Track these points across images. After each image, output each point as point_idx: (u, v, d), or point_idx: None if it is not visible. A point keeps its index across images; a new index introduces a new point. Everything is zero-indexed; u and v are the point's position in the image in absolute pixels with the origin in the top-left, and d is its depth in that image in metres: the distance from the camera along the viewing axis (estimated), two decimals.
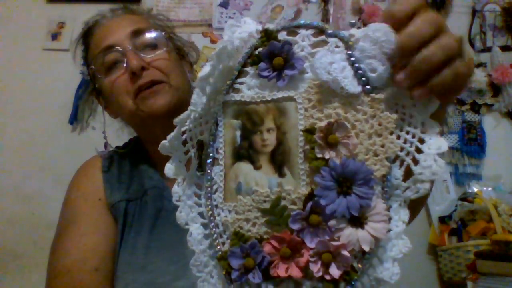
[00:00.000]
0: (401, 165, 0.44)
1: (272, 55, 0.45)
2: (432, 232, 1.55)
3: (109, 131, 0.89)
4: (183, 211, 0.46)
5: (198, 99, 0.45)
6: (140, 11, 0.88)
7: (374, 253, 0.43)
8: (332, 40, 0.45)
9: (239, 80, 0.47)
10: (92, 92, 0.90)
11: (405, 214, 0.43)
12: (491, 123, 1.66)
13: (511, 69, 1.63)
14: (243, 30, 0.46)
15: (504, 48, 1.68)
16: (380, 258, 0.43)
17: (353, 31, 0.44)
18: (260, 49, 0.46)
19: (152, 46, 0.79)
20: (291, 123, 0.45)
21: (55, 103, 1.68)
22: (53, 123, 1.68)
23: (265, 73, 0.45)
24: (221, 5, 1.72)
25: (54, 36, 1.73)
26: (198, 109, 0.45)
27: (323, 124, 0.42)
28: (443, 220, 1.51)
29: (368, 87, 0.43)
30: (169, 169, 0.46)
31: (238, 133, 0.47)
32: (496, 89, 1.65)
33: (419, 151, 0.43)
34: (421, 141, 0.43)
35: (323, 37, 0.45)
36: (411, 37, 0.40)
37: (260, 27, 0.47)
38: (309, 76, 0.45)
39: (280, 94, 0.45)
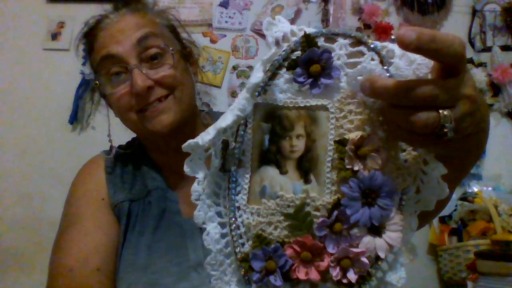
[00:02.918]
0: (414, 179, 0.45)
1: (310, 62, 0.44)
2: (432, 232, 1.55)
3: (114, 124, 0.87)
4: (202, 210, 0.46)
5: (247, 105, 0.44)
6: (145, 9, 0.84)
7: (385, 259, 0.45)
8: (369, 53, 0.44)
9: (271, 81, 0.46)
10: (96, 89, 0.88)
11: (415, 223, 0.46)
12: (491, 123, 1.65)
13: (511, 69, 1.63)
14: (278, 29, 0.46)
15: (504, 48, 1.68)
16: (390, 263, 0.46)
17: (392, 46, 0.44)
18: (297, 52, 0.45)
19: (159, 56, 0.77)
20: (322, 132, 0.46)
21: (55, 103, 1.68)
22: (53, 123, 1.68)
23: (301, 79, 0.45)
24: (221, 5, 1.72)
25: (54, 36, 1.73)
26: (245, 115, 0.45)
27: (354, 136, 0.43)
28: (443, 220, 1.51)
29: None
30: (189, 166, 0.45)
31: (267, 136, 0.46)
32: (496, 89, 1.65)
33: (423, 172, 0.45)
34: (425, 162, 0.45)
35: (360, 48, 0.45)
36: (438, 41, 0.36)
37: (294, 28, 0.46)
38: (343, 85, 0.45)
39: (313, 102, 0.45)
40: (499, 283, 1.18)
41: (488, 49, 1.68)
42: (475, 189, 1.55)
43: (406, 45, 0.36)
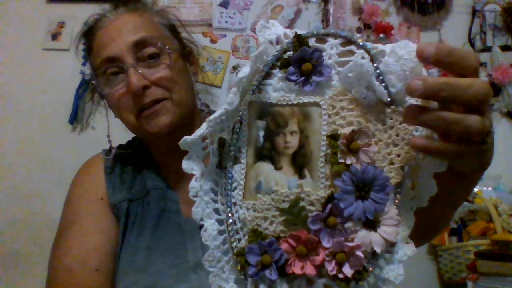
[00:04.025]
0: (410, 173, 0.46)
1: (302, 61, 0.46)
2: None
3: (114, 124, 0.87)
4: (199, 207, 0.47)
5: (235, 99, 0.46)
6: (143, 8, 0.83)
7: (382, 255, 0.45)
8: (359, 51, 0.46)
9: (265, 81, 0.48)
10: (95, 90, 0.88)
11: (411, 219, 0.46)
12: None
13: (511, 69, 1.63)
14: (272, 32, 0.48)
15: (504, 48, 1.68)
16: (387, 259, 0.46)
17: (382, 46, 0.46)
18: (289, 52, 0.47)
19: (156, 56, 0.76)
20: (314, 128, 0.47)
21: (55, 103, 1.68)
22: (53, 123, 1.68)
23: (293, 77, 0.47)
24: (221, 5, 1.72)
25: (54, 36, 1.73)
26: (233, 108, 0.46)
27: (346, 131, 0.44)
28: None
29: (389, 99, 0.45)
30: (187, 164, 0.47)
31: (262, 133, 0.48)
32: (496, 89, 1.65)
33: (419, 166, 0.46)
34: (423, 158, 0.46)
35: (350, 47, 0.47)
36: (452, 87, 0.38)
37: (288, 31, 0.48)
38: (334, 83, 0.47)
39: (306, 99, 0.47)
40: (499, 283, 1.18)
41: (488, 49, 1.68)
42: (475, 189, 1.55)
43: (425, 58, 0.39)
